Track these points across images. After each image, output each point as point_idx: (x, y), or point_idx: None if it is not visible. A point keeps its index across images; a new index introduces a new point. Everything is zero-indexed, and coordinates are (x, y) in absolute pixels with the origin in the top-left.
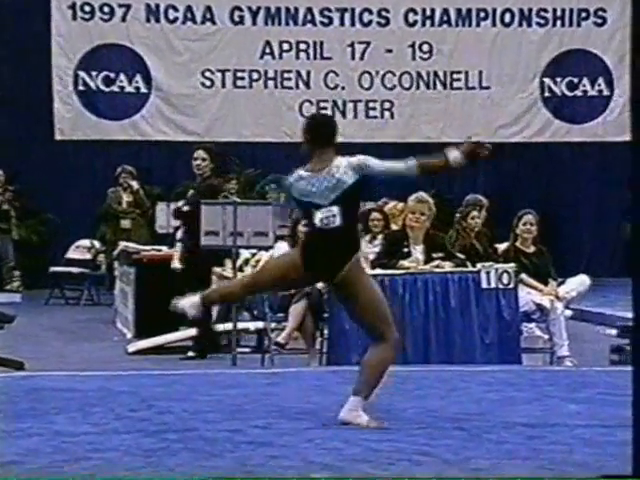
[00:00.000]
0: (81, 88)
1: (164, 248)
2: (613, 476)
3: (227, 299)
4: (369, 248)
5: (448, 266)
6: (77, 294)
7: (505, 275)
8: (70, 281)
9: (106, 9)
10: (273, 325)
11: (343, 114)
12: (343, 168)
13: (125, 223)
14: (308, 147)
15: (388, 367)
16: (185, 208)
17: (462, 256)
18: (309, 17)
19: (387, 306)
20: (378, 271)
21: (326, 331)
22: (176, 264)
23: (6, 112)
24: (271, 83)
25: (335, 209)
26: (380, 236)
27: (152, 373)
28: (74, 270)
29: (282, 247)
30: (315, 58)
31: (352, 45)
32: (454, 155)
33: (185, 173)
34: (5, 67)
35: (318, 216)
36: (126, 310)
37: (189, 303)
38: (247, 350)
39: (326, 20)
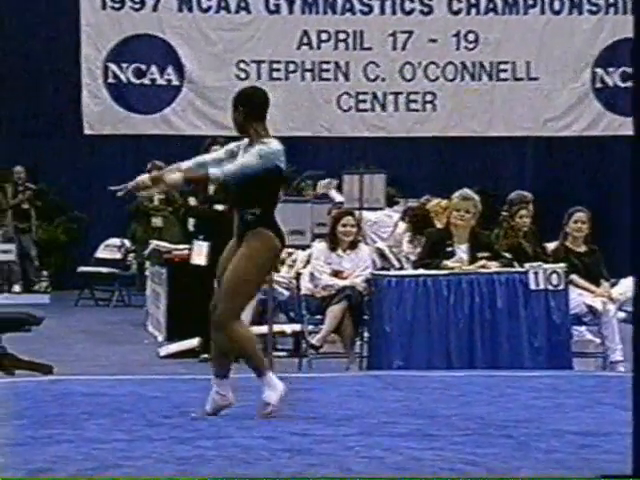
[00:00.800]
0: (111, 81)
1: None
2: (613, 476)
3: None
4: (409, 248)
5: (494, 266)
6: (107, 295)
7: (554, 276)
8: (100, 282)
9: None
10: (310, 328)
11: (383, 107)
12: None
13: (156, 221)
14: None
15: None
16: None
17: (509, 255)
18: (348, 5)
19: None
20: (421, 271)
21: (366, 334)
22: (197, 259)
23: (33, 105)
24: (308, 75)
25: None
26: (418, 235)
27: (185, 378)
28: (104, 270)
29: (320, 247)
30: (354, 48)
31: (393, 35)
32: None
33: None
34: (32, 59)
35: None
36: (158, 312)
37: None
38: (283, 354)
39: (366, 8)
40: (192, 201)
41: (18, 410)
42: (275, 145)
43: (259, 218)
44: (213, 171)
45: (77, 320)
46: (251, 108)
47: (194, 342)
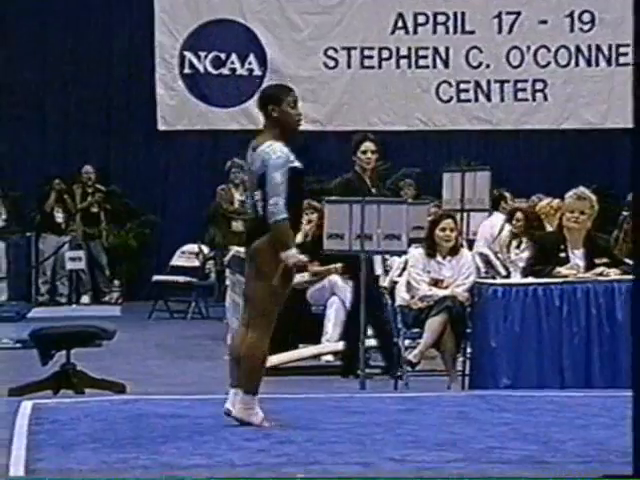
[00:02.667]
0: (187, 71)
1: None
2: (615, 476)
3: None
4: (515, 254)
5: (614, 274)
6: (183, 306)
7: None
8: (175, 292)
9: None
10: (407, 342)
11: (487, 97)
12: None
13: (237, 225)
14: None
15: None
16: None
17: (630, 262)
18: None
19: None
20: (530, 280)
21: (469, 349)
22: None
23: (103, 100)
24: (404, 62)
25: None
26: (524, 239)
27: (269, 397)
28: (180, 279)
29: (417, 253)
30: (455, 32)
31: (499, 16)
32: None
33: (305, 166)
34: (103, 50)
35: None
36: (238, 325)
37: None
38: (377, 371)
39: None
40: None
41: (89, 432)
42: (279, 149)
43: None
44: (277, 219)
45: (151, 334)
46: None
47: (278, 358)
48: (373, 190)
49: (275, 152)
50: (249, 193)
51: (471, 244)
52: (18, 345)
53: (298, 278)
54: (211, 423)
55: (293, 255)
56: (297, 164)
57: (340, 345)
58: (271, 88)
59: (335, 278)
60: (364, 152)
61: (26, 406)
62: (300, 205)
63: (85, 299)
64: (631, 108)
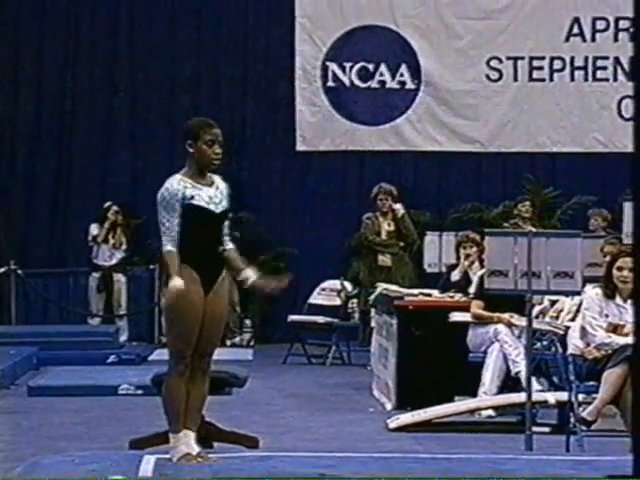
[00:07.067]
0: (331, 84)
1: (434, 292)
2: (618, 476)
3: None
4: None
5: None
6: (322, 350)
7: None
8: (314, 333)
9: None
10: (581, 397)
11: None
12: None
13: (384, 259)
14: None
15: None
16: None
17: None
18: None
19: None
20: None
21: None
22: (458, 316)
23: (233, 118)
24: (579, 74)
25: None
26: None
27: (421, 456)
28: (319, 319)
29: (593, 294)
30: None
31: None
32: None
33: (461, 193)
34: (237, 60)
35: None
36: (385, 373)
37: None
38: (546, 429)
39: None
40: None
41: None
42: (169, 185)
43: None
44: (163, 251)
45: (286, 381)
46: None
47: (432, 412)
48: None
49: (163, 191)
50: None
51: None
52: (139, 392)
53: (460, 318)
54: None
55: (173, 284)
56: (196, 201)
57: (500, 398)
58: (193, 122)
59: (501, 327)
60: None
61: (148, 461)
62: (203, 242)
63: None
64: None
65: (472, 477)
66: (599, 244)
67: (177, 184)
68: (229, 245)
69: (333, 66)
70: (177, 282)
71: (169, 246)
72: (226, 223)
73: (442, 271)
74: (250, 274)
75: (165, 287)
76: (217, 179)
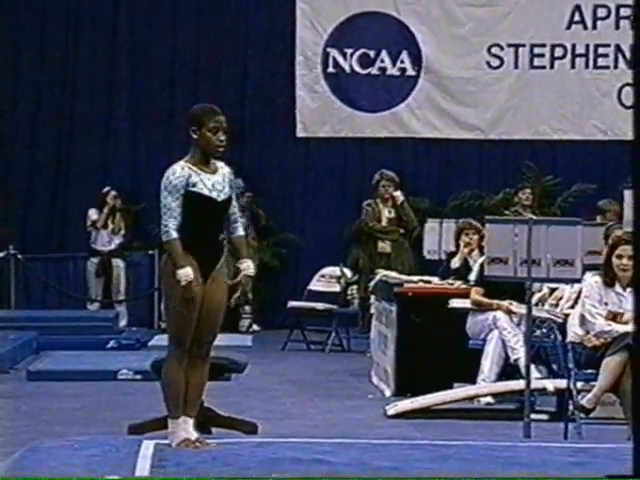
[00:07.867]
0: (331, 70)
1: (434, 279)
2: (617, 476)
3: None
4: None
5: None
6: (322, 337)
7: None
8: (313, 320)
9: None
10: (580, 385)
11: None
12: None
13: (384, 246)
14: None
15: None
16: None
17: None
18: None
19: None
20: None
21: None
22: (457, 302)
23: (236, 105)
24: (580, 61)
25: None
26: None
27: (419, 443)
28: (318, 306)
29: (593, 282)
30: None
31: None
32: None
33: (461, 181)
34: (238, 46)
35: None
36: (384, 359)
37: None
38: (544, 417)
39: None
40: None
41: (217, 478)
42: (173, 173)
43: None
44: (165, 240)
45: (285, 367)
46: None
47: (431, 399)
48: None
49: (169, 175)
50: None
51: None
52: (138, 377)
53: (459, 304)
54: (354, 470)
55: (183, 273)
56: (198, 189)
57: (499, 386)
58: (197, 109)
59: (500, 314)
60: None
61: (147, 446)
62: (203, 229)
63: None
64: None
65: (470, 464)
66: (600, 232)
67: (181, 170)
68: (239, 232)
69: (334, 52)
70: (187, 271)
71: (172, 232)
72: (235, 209)
73: (442, 258)
74: (244, 266)
75: (165, 269)
76: (221, 165)
